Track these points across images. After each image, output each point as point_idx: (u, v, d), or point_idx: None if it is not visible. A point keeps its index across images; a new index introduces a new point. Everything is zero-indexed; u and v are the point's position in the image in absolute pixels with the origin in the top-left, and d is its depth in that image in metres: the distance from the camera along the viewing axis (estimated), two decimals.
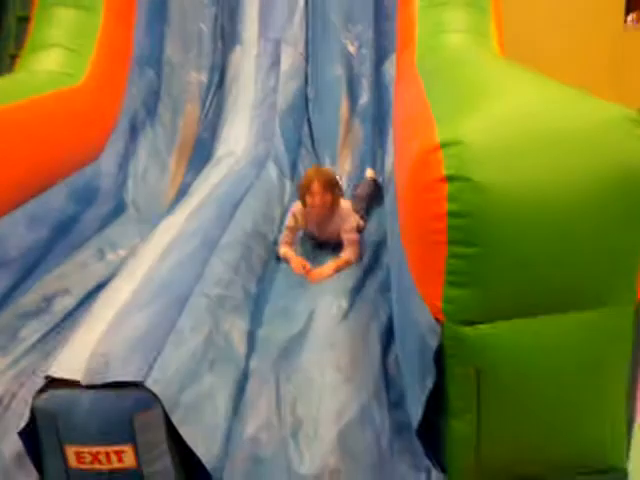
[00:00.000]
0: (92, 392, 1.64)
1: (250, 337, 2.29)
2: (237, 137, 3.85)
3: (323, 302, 2.49)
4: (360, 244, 2.93)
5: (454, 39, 3.25)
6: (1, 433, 1.90)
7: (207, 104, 4.08)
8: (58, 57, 3.50)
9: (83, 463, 1.64)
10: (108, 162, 3.58)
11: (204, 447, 1.74)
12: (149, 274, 2.20)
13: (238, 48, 4.13)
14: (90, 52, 3.60)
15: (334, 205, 2.89)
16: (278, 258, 2.95)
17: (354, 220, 2.96)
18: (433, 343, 1.53)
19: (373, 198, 3.43)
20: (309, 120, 3.99)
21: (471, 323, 1.48)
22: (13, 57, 4.55)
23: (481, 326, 1.48)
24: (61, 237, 3.01)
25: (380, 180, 3.54)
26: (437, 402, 1.62)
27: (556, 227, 1.41)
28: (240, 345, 2.19)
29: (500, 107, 1.52)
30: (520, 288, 1.45)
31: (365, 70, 4.05)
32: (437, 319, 1.52)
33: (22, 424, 1.68)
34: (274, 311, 2.51)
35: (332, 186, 2.85)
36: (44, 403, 1.65)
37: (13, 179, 2.74)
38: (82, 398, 1.64)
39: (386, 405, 1.96)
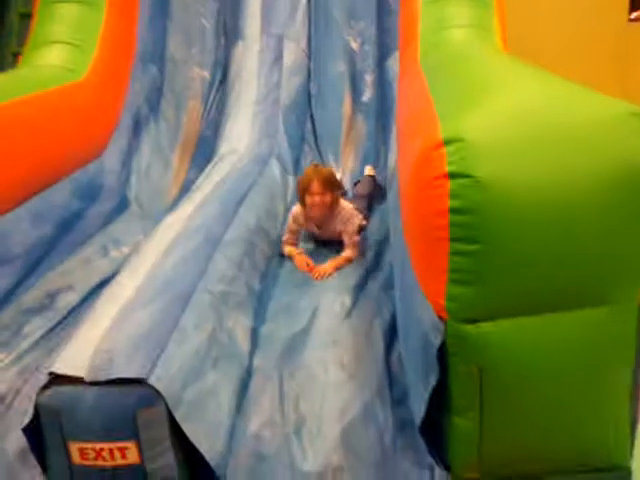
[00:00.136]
0: (95, 389, 1.65)
1: (253, 334, 2.29)
2: (240, 134, 3.84)
3: (326, 299, 2.49)
4: (362, 244, 2.92)
5: (457, 35, 3.24)
6: (5, 429, 1.92)
7: (210, 100, 4.08)
8: (60, 53, 3.50)
9: (87, 459, 1.65)
10: (111, 159, 3.59)
11: (207, 444, 1.75)
12: (152, 271, 2.20)
13: (240, 44, 4.12)
14: (93, 48, 3.60)
15: (334, 204, 2.87)
16: (282, 255, 2.95)
17: (357, 220, 2.94)
18: (436, 341, 1.52)
19: (373, 196, 3.43)
20: (312, 117, 3.99)
21: (474, 321, 1.48)
22: (15, 54, 4.54)
23: (484, 324, 1.47)
24: (65, 234, 3.02)
25: (383, 177, 3.53)
26: (440, 400, 1.62)
27: (559, 224, 1.41)
28: (243, 342, 2.20)
29: (503, 104, 1.51)
30: (523, 286, 1.44)
31: (368, 66, 4.05)
32: (440, 317, 1.52)
33: (26, 420, 1.68)
34: (277, 308, 2.51)
35: (332, 185, 2.84)
36: (48, 399, 1.66)
37: (16, 176, 2.75)
38: (86, 395, 1.64)
39: (389, 402, 1.96)
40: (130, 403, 1.65)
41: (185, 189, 3.56)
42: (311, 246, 3.07)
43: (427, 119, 1.68)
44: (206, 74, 4.13)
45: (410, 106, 2.24)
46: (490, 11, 3.33)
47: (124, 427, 1.64)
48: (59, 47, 3.52)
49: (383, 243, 2.95)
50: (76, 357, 1.73)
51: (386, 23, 4.03)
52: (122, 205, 3.51)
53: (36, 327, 2.41)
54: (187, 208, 2.83)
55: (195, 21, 4.19)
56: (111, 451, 1.63)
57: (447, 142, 1.43)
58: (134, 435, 1.64)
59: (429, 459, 1.73)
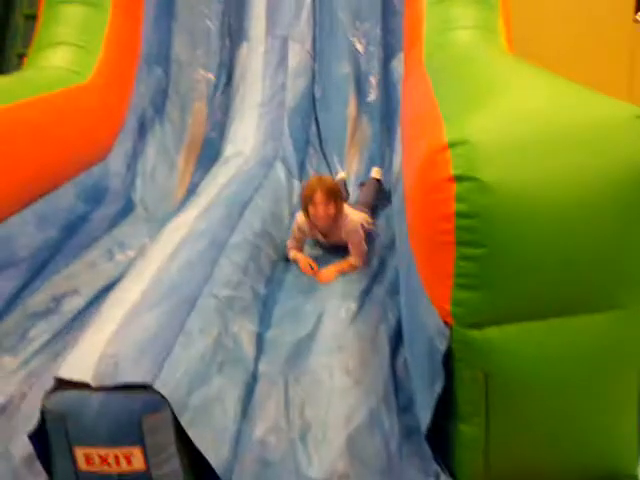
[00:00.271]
0: (101, 394, 1.64)
1: (259, 339, 2.29)
2: (245, 136, 3.84)
3: (332, 304, 2.49)
4: (368, 254, 2.90)
5: (462, 36, 3.22)
6: (11, 434, 1.91)
7: (215, 102, 4.08)
8: (66, 55, 3.50)
9: (92, 465, 1.64)
10: (116, 161, 3.59)
11: (213, 449, 1.74)
12: (158, 275, 2.20)
13: (245, 45, 4.12)
14: (98, 50, 3.60)
15: (338, 214, 2.82)
16: (287, 260, 2.95)
17: (363, 229, 2.90)
18: (442, 346, 1.52)
19: (378, 201, 3.41)
20: (317, 119, 3.98)
21: (480, 326, 1.47)
22: (21, 56, 4.55)
23: (490, 329, 1.47)
24: (70, 237, 3.02)
25: (388, 179, 3.52)
26: (446, 406, 1.61)
27: (566, 228, 1.40)
28: (249, 347, 2.20)
29: (508, 106, 1.51)
30: (529, 290, 1.44)
31: (373, 68, 4.03)
32: (446, 322, 1.51)
33: (32, 426, 1.68)
34: (283, 313, 2.51)
35: (335, 195, 2.79)
36: (53, 405, 1.65)
37: (21, 178, 2.75)
38: (91, 400, 1.64)
39: (395, 409, 1.96)
40: (136, 408, 1.64)
41: (190, 191, 3.56)
42: (317, 252, 3.05)
43: (432, 121, 1.67)
44: (211, 76, 4.13)
45: (415, 108, 2.24)
46: (495, 12, 3.32)
47: (130, 433, 1.63)
48: (64, 49, 3.52)
49: (389, 247, 2.94)
50: (82, 362, 1.73)
51: (391, 24, 4.02)
52: (127, 208, 3.51)
53: (42, 331, 2.41)
54: (192, 211, 2.83)
55: (200, 23, 4.19)
56: (116, 457, 1.63)
57: (452, 145, 1.42)
58: (139, 441, 1.63)
59: (435, 466, 1.72)
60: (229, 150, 3.78)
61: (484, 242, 1.40)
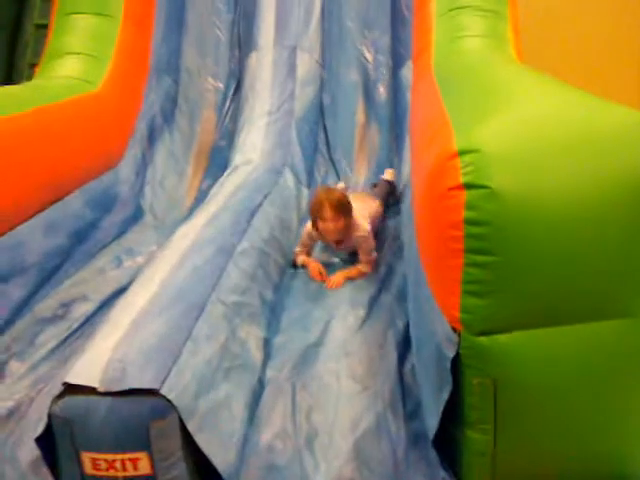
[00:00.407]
0: (109, 399, 1.64)
1: (266, 345, 2.29)
2: (254, 144, 3.85)
3: (340, 311, 2.49)
4: (376, 257, 2.91)
5: (471, 44, 3.23)
6: (18, 439, 1.92)
7: (224, 111, 4.10)
8: (76, 64, 3.54)
9: (99, 470, 1.64)
10: (126, 169, 3.61)
11: (220, 455, 1.74)
12: (166, 281, 2.20)
13: (254, 55, 4.14)
14: (108, 59, 3.63)
15: (347, 227, 2.78)
16: (294, 266, 2.94)
17: (375, 213, 2.91)
18: (449, 353, 1.51)
19: (389, 201, 3.42)
20: (325, 127, 3.99)
21: (488, 333, 1.46)
22: (32, 65, 4.58)
23: (498, 336, 1.46)
24: (79, 244, 3.04)
25: (398, 185, 3.53)
26: (453, 412, 1.60)
27: (576, 235, 1.39)
28: (256, 353, 2.19)
29: (517, 114, 1.51)
30: (538, 298, 1.43)
31: (381, 76, 4.04)
32: (454, 328, 1.50)
33: (39, 430, 1.68)
34: (291, 319, 2.51)
35: (344, 209, 2.73)
36: (61, 409, 1.65)
37: (31, 186, 2.77)
38: (98, 405, 1.64)
39: (402, 415, 1.95)
40: (143, 414, 1.64)
41: (199, 199, 3.57)
42: (326, 257, 3.05)
43: (441, 129, 1.67)
44: (220, 85, 4.15)
45: (424, 116, 2.24)
46: (504, 22, 3.32)
47: (137, 438, 1.63)
48: (75, 58, 3.56)
49: (397, 253, 2.94)
50: (89, 367, 1.73)
51: (400, 33, 4.02)
52: (136, 215, 3.53)
53: (50, 337, 2.42)
54: (201, 218, 2.83)
55: (209, 32, 4.22)
56: (123, 462, 1.63)
57: (462, 152, 1.42)
58: (146, 446, 1.63)
59: (442, 473, 1.71)
60: (238, 158, 3.79)
61: (493, 249, 1.40)
